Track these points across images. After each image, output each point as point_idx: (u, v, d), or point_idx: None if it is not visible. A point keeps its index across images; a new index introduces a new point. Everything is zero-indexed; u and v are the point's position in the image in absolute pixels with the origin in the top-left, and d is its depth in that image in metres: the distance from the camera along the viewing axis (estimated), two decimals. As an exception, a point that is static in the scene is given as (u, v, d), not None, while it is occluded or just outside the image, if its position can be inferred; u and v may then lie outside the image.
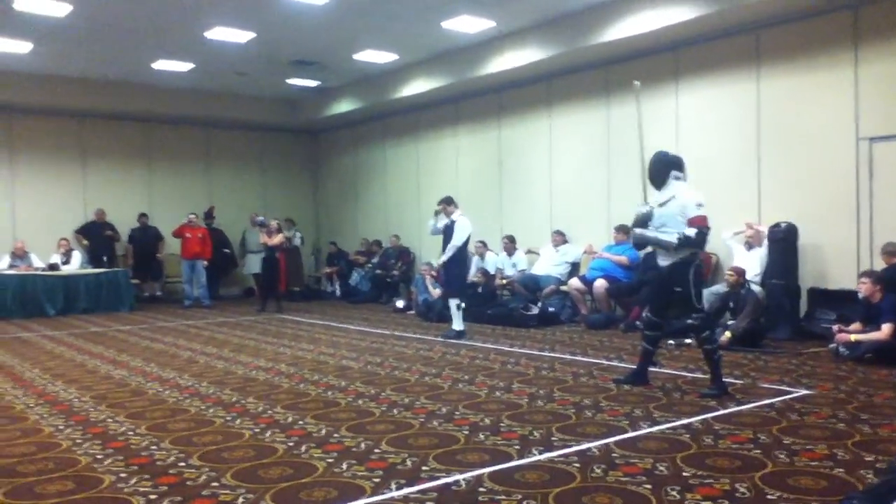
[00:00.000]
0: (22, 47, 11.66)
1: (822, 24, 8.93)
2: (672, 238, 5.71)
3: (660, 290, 6.08)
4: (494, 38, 11.58)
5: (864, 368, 6.69)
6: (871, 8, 8.51)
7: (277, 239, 13.16)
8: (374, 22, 10.83)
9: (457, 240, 9.32)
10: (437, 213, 9.63)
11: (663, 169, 5.91)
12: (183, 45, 11.91)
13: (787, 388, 5.95)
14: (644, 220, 5.93)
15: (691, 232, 5.64)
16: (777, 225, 8.92)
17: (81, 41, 11.58)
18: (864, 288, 7.26)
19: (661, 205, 5.88)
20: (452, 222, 9.44)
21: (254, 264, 15.37)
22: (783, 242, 8.81)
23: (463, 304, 9.49)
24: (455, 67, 12.59)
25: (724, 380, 5.87)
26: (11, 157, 14.42)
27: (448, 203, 9.51)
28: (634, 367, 6.40)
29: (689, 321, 5.88)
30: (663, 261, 5.89)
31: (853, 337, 7.09)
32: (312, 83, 14.69)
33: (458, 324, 9.39)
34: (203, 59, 12.75)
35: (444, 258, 9.38)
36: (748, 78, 9.62)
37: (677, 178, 5.87)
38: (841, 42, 8.75)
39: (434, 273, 9.52)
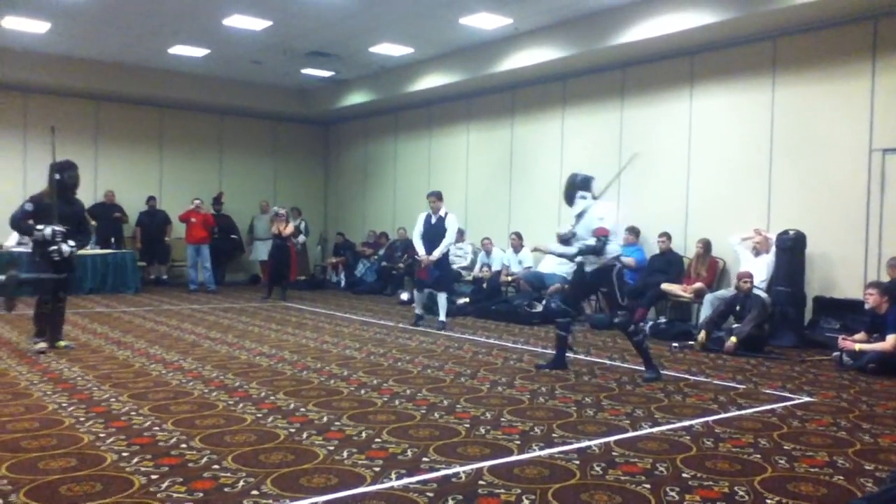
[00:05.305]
0: (39, 27, 11.70)
1: (840, 34, 8.89)
2: (573, 249, 6.68)
3: (581, 288, 7.02)
4: (511, 35, 11.56)
5: (867, 378, 6.68)
6: (890, 19, 8.47)
7: (290, 228, 13.31)
8: (391, 15, 10.83)
9: (451, 235, 9.62)
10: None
11: (571, 190, 6.78)
12: (200, 31, 11.93)
13: (789, 395, 5.95)
14: (566, 239, 6.78)
15: (592, 241, 6.49)
16: (785, 232, 8.89)
17: (99, 23, 11.62)
18: (871, 299, 7.23)
19: (576, 219, 6.72)
20: (441, 218, 9.57)
21: (261, 251, 15.47)
22: (791, 250, 8.78)
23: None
24: (470, 63, 12.58)
25: (653, 362, 6.56)
26: (25, 135, 14.50)
27: (439, 198, 9.72)
28: (642, 366, 6.68)
29: (616, 320, 6.59)
30: (589, 267, 6.67)
31: (857, 346, 7.08)
32: (326, 74, 14.71)
33: (444, 315, 9.72)
34: (219, 46, 12.77)
35: (440, 253, 9.50)
36: (764, 85, 9.59)
37: (583, 197, 6.70)
38: (859, 52, 8.71)
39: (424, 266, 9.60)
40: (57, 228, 7.02)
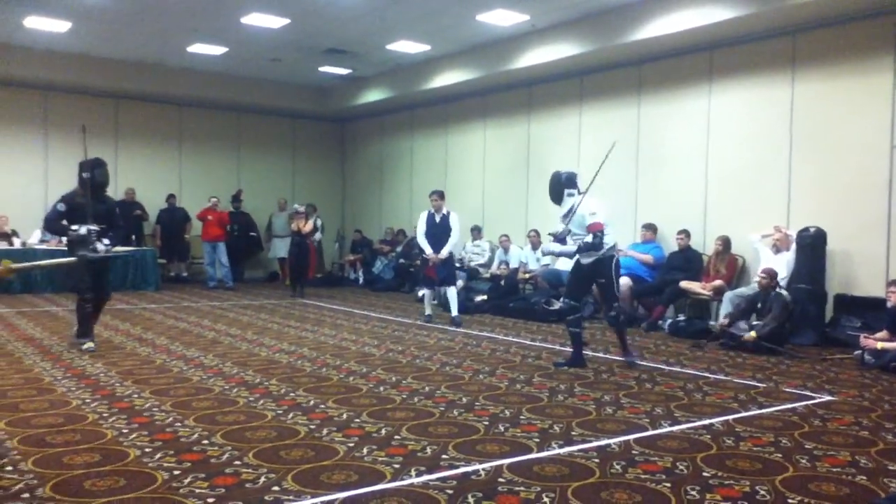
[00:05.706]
0: (60, 27, 11.82)
1: (860, 30, 8.80)
2: (573, 246, 6.73)
3: (581, 282, 7.02)
4: (528, 32, 11.55)
5: (889, 377, 6.60)
6: (912, 13, 8.38)
7: (310, 226, 13.43)
8: (409, 13, 10.84)
9: (457, 234, 9.81)
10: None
11: (557, 188, 6.84)
12: (219, 29, 12.00)
13: (810, 394, 5.91)
14: (562, 238, 6.81)
15: (589, 238, 6.58)
16: (806, 229, 8.82)
17: (119, 23, 11.72)
18: (893, 297, 7.17)
19: (565, 217, 6.78)
20: (444, 217, 9.72)
21: (279, 249, 15.56)
22: (811, 247, 8.71)
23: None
24: (487, 60, 12.57)
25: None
26: (46, 133, 14.67)
27: (441, 197, 9.87)
28: (662, 364, 6.77)
29: (612, 313, 6.80)
30: (586, 259, 6.77)
31: (880, 345, 7.00)
32: (344, 71, 14.75)
33: (457, 309, 9.85)
34: (237, 44, 12.85)
35: (447, 251, 9.67)
36: (783, 81, 9.51)
37: (570, 195, 6.76)
38: (880, 48, 8.61)
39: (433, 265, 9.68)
40: (92, 228, 7.07)
